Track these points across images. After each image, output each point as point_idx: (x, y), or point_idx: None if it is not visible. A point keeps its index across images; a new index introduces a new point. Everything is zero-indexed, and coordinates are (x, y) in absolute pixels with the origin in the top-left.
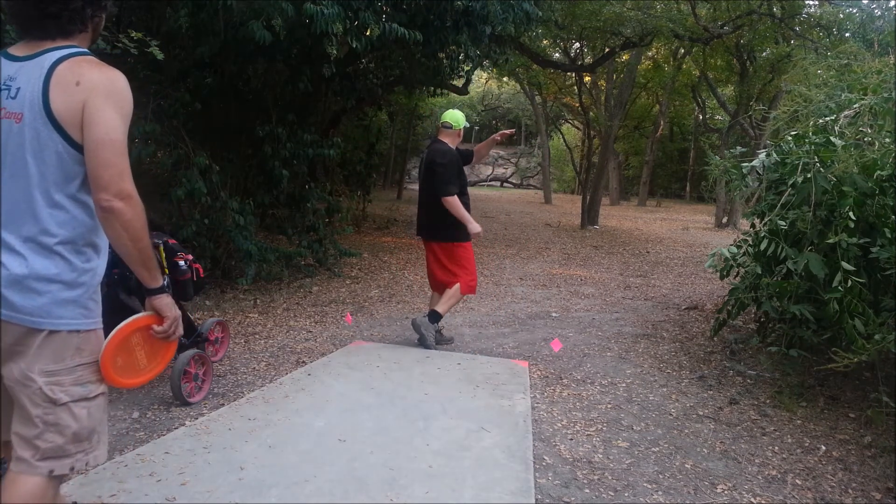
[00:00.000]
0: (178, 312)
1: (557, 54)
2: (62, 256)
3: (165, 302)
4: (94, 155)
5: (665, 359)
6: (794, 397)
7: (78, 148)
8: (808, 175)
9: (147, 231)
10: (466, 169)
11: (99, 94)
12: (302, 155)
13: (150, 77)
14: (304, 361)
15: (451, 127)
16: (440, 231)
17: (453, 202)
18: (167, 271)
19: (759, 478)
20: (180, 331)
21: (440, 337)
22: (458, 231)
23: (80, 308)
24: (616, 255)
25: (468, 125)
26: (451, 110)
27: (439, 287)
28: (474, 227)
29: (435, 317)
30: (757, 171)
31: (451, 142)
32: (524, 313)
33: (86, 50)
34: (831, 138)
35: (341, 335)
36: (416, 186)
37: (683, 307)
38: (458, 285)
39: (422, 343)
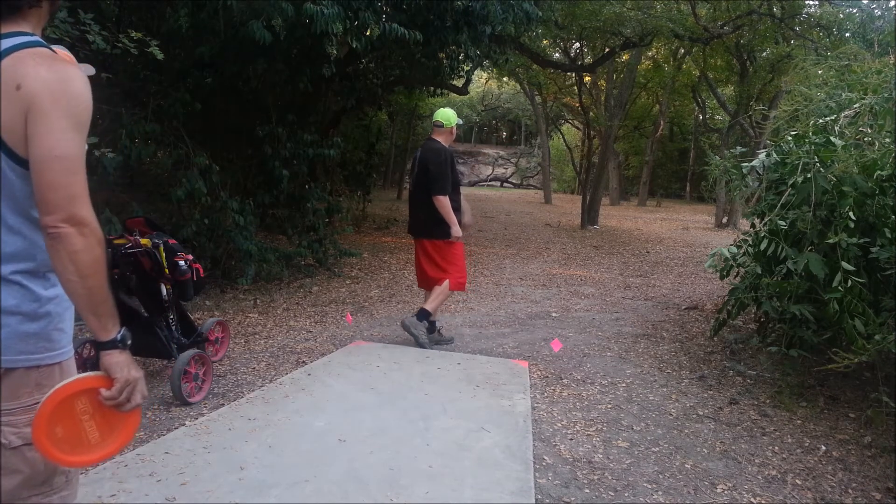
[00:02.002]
0: (136, 374)
1: (557, 54)
2: (20, 285)
3: (117, 360)
4: (39, 175)
5: (665, 359)
6: (794, 397)
7: (26, 165)
8: (808, 175)
9: (103, 268)
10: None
11: (45, 99)
12: (302, 155)
13: (150, 77)
14: (304, 361)
15: (442, 125)
16: (433, 228)
17: (444, 202)
18: (167, 271)
19: (759, 478)
20: (138, 398)
21: (440, 337)
22: (448, 228)
23: (42, 341)
24: (616, 255)
25: (461, 122)
26: (442, 109)
27: (430, 284)
28: (457, 230)
29: (423, 314)
30: (757, 171)
31: (444, 140)
32: (524, 313)
33: (37, 39)
34: (831, 138)
35: (341, 335)
36: None
37: (683, 307)
38: (447, 282)
39: (417, 342)
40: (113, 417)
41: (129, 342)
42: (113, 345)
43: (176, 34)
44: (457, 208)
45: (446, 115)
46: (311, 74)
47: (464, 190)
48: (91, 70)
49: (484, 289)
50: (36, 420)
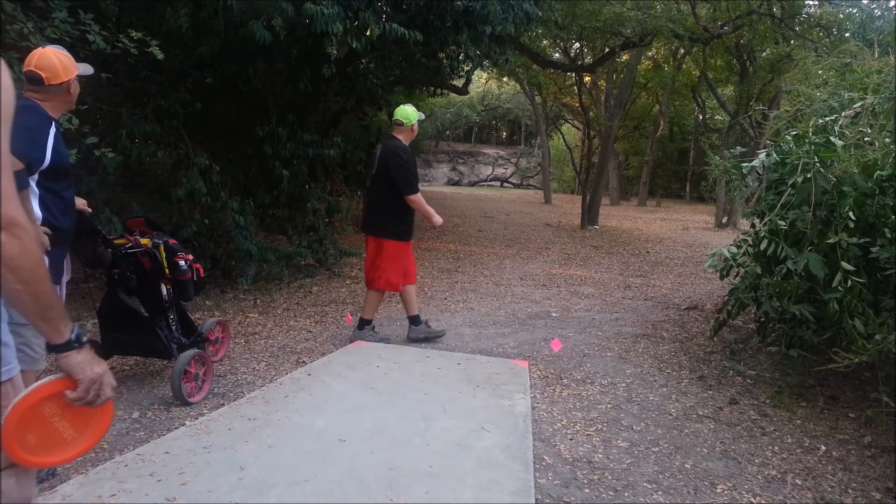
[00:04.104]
0: (98, 371)
1: (557, 54)
2: None
3: (76, 360)
4: None
5: (665, 359)
6: (794, 397)
7: None
8: (808, 175)
9: (45, 269)
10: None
11: None
12: (302, 155)
13: (150, 77)
14: (304, 361)
15: (402, 124)
16: (384, 228)
17: (419, 199)
18: (168, 271)
19: (759, 478)
20: (107, 392)
21: (429, 329)
22: (400, 230)
23: None
24: (616, 255)
25: (422, 117)
26: (402, 106)
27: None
28: (437, 219)
29: (364, 323)
30: (757, 171)
31: (405, 138)
32: (524, 313)
33: None
34: (831, 138)
35: (341, 335)
36: None
37: (683, 307)
38: (375, 292)
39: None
40: (85, 412)
41: (86, 339)
42: (69, 346)
43: (176, 34)
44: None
45: (406, 113)
46: (311, 74)
47: (464, 190)
48: (90, 70)
49: (484, 289)
50: (4, 435)
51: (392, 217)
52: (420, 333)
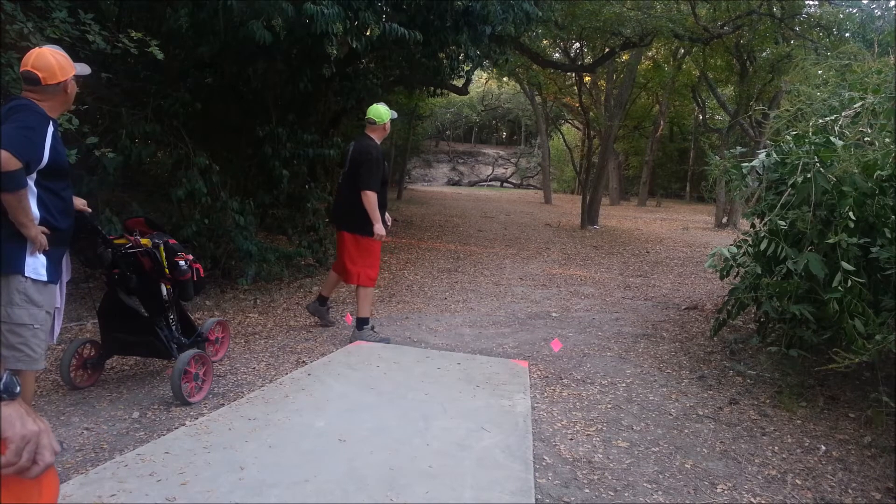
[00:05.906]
0: (33, 428)
1: (557, 54)
2: None
3: (3, 414)
4: None
5: (665, 359)
6: (794, 397)
7: None
8: (808, 175)
9: None
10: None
11: None
12: (302, 155)
13: (150, 77)
14: (304, 361)
15: (375, 123)
16: (354, 223)
17: (372, 198)
18: (168, 271)
19: (759, 478)
20: (47, 457)
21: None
22: (370, 226)
23: None
24: (616, 255)
25: (395, 116)
26: (375, 105)
27: (343, 272)
28: (379, 228)
29: (362, 323)
30: (757, 171)
31: (377, 137)
32: (524, 313)
33: None
34: (831, 138)
35: (341, 335)
36: (416, 186)
37: (683, 307)
38: (369, 289)
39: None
40: (20, 487)
41: (17, 390)
42: None
43: (176, 34)
44: (382, 204)
45: (378, 112)
46: (311, 74)
47: (464, 190)
48: (87, 70)
49: (484, 289)
50: None
51: (365, 213)
52: (372, 336)
